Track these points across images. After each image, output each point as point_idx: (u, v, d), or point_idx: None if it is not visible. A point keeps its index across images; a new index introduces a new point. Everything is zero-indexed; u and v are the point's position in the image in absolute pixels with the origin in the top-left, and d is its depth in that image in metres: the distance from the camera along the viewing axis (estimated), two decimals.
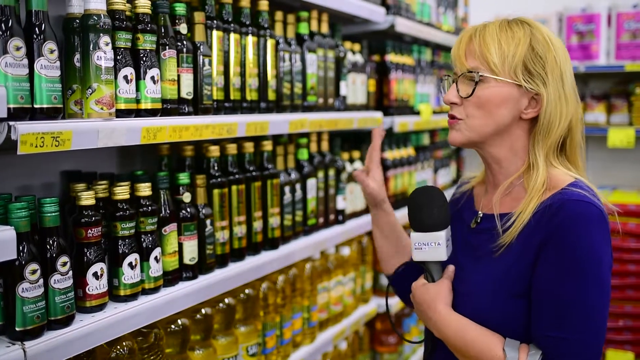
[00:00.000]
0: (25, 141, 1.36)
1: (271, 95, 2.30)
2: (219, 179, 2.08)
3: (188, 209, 1.93)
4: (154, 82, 1.75)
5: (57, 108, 1.50)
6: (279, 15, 2.38)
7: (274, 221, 2.34)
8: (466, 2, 4.41)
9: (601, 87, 4.59)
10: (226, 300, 2.15)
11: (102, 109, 1.59)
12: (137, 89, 1.72)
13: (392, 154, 3.29)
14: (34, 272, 1.44)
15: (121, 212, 1.72)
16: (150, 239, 1.79)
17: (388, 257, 1.93)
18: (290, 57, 2.40)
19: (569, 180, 1.50)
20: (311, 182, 2.60)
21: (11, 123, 1.35)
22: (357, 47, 3.00)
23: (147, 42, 1.74)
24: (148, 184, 1.80)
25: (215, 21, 2.03)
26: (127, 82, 1.68)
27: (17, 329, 1.42)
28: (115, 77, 1.65)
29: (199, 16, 1.96)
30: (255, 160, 2.32)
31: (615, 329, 4.02)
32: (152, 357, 1.82)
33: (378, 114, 3.07)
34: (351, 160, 3.00)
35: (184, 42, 1.88)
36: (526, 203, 1.50)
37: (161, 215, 1.85)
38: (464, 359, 1.52)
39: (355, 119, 2.83)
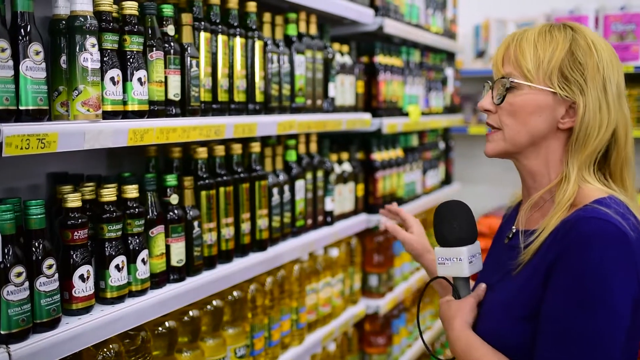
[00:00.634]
0: (10, 143, 1.35)
1: (259, 97, 2.29)
2: (207, 181, 2.08)
3: (175, 211, 1.93)
4: (141, 84, 1.74)
5: (43, 110, 1.49)
6: (267, 16, 2.37)
7: (262, 223, 2.34)
8: (455, 4, 4.42)
9: None
10: (214, 302, 2.14)
11: (88, 110, 1.58)
12: (124, 91, 1.72)
13: (380, 155, 3.30)
14: (19, 274, 1.43)
15: (108, 214, 1.71)
16: (138, 241, 1.79)
17: None
18: (278, 58, 2.40)
19: (598, 196, 1.38)
20: (299, 184, 2.60)
21: None
22: (345, 48, 3.00)
23: (134, 43, 1.73)
24: (135, 186, 1.80)
25: (203, 22, 2.03)
26: (114, 83, 1.67)
27: (2, 332, 1.41)
28: (102, 79, 1.64)
29: (186, 17, 1.95)
30: (244, 161, 2.31)
31: None
32: None
33: (367, 116, 3.07)
34: (339, 162, 3.00)
35: (172, 44, 1.87)
36: (549, 219, 1.40)
37: (148, 217, 1.84)
38: None
39: (343, 121, 2.83)
